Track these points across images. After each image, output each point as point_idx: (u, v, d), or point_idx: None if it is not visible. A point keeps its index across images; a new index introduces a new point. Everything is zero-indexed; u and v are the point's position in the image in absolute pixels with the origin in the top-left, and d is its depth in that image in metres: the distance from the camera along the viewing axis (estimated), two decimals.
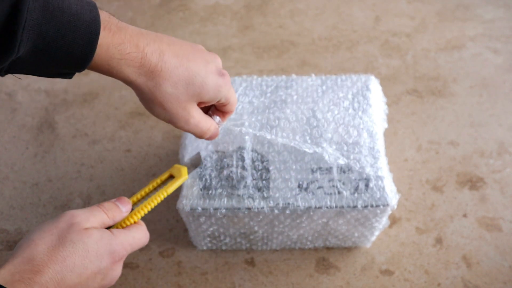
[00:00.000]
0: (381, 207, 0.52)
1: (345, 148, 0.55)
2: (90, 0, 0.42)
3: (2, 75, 0.42)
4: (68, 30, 0.40)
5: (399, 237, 0.63)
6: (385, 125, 0.60)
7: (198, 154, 0.55)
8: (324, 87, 0.60)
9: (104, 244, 0.42)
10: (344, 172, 0.54)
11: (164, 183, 0.50)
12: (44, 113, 0.75)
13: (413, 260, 0.62)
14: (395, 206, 0.53)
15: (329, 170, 0.54)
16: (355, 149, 0.55)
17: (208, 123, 0.49)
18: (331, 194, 0.53)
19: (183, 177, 0.50)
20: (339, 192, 0.53)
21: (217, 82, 0.47)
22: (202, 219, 0.55)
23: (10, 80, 0.77)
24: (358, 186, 0.53)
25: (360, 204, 0.52)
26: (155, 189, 0.50)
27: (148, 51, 0.43)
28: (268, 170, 0.54)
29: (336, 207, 0.52)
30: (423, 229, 0.64)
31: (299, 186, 0.53)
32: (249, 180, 0.54)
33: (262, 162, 0.55)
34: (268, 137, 0.56)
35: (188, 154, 0.57)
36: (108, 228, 0.44)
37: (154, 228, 0.65)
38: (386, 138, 0.71)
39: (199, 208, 0.53)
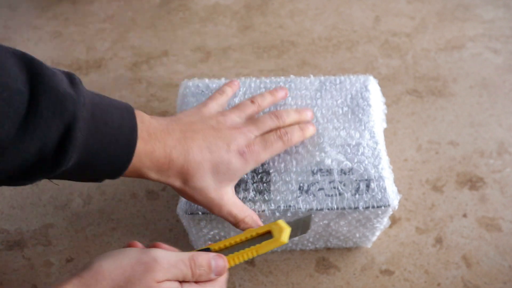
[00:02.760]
0: (383, 208, 0.52)
1: (348, 150, 0.55)
2: (127, 104, 0.45)
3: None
4: (111, 143, 0.42)
5: (399, 237, 0.63)
6: (384, 125, 0.60)
7: (309, 216, 0.49)
8: (323, 90, 0.60)
9: None
10: (344, 173, 0.54)
11: (260, 237, 0.46)
12: None
13: (413, 260, 0.62)
14: (396, 207, 0.53)
15: (329, 171, 0.54)
16: (358, 150, 0.55)
17: (244, 212, 0.50)
18: (332, 195, 0.53)
19: (281, 241, 0.45)
20: (340, 194, 0.52)
21: (240, 162, 0.49)
22: (202, 223, 0.55)
23: None
24: (359, 187, 0.53)
25: (361, 205, 0.52)
26: (248, 240, 0.46)
27: (174, 156, 0.46)
28: (268, 173, 0.54)
29: (337, 208, 0.52)
30: (423, 229, 0.64)
31: (300, 188, 0.53)
32: (249, 183, 0.54)
33: (263, 165, 0.55)
34: None
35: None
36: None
37: (154, 228, 0.65)
38: (386, 138, 0.71)
39: (200, 213, 0.53)
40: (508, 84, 0.76)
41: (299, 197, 0.52)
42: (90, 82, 0.77)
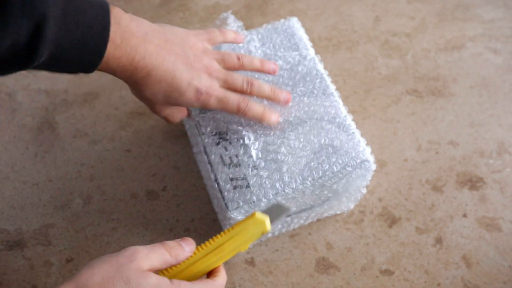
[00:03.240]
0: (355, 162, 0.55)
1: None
2: (104, 2, 0.47)
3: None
4: (81, 43, 0.45)
5: (399, 237, 0.63)
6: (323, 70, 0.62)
7: (277, 203, 0.49)
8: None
9: None
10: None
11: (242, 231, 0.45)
12: (44, 113, 0.75)
13: (413, 260, 0.62)
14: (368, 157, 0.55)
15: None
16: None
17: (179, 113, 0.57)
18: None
19: (264, 230, 0.45)
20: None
21: (191, 99, 0.53)
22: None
23: (10, 80, 0.77)
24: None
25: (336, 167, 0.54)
26: (231, 238, 0.45)
27: (138, 67, 0.49)
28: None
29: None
30: (423, 229, 0.64)
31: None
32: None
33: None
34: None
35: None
36: (171, 275, 0.43)
37: (154, 228, 0.65)
38: (386, 138, 0.71)
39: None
40: (508, 84, 0.75)
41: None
42: (90, 82, 0.77)
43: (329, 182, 0.55)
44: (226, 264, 0.62)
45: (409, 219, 0.65)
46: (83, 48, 0.45)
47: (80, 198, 0.68)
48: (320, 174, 0.54)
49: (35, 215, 0.67)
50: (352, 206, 0.63)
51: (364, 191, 0.61)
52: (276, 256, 0.63)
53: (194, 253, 0.44)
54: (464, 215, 0.65)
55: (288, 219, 0.60)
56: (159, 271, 0.43)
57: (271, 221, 0.46)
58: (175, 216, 0.66)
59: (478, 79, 0.76)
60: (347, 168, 0.55)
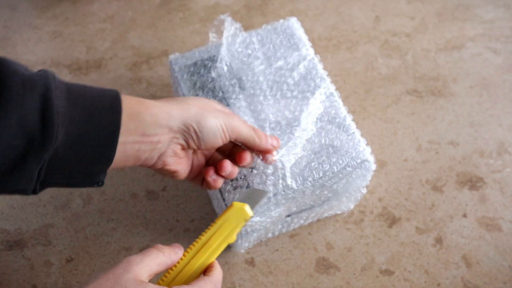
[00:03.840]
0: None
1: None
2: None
3: (37, 191, 0.42)
4: (94, 110, 0.42)
5: (399, 237, 0.63)
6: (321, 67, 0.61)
7: (254, 189, 0.51)
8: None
9: None
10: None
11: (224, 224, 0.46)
12: None
13: (413, 260, 0.62)
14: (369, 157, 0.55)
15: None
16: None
17: (249, 124, 0.52)
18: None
19: (246, 217, 0.46)
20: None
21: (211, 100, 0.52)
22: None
23: None
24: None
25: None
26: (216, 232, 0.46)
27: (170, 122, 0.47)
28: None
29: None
30: (423, 229, 0.64)
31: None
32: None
33: None
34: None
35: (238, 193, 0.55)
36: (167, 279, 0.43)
37: (154, 228, 0.65)
38: (386, 138, 0.71)
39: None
40: (508, 84, 0.76)
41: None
42: (90, 82, 0.77)
43: (329, 182, 0.55)
44: (226, 264, 0.62)
45: (409, 219, 0.65)
46: (98, 116, 0.42)
47: (80, 198, 0.68)
48: (321, 174, 0.54)
49: (35, 215, 0.67)
50: (352, 206, 0.63)
51: (364, 191, 0.61)
52: (276, 256, 0.63)
53: (184, 255, 0.45)
54: (464, 215, 0.65)
55: (288, 219, 0.60)
56: (156, 282, 0.43)
57: (251, 207, 0.46)
58: (175, 216, 0.66)
59: (478, 79, 0.76)
60: (347, 168, 0.55)
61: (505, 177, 0.67)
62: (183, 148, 0.48)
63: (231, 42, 0.61)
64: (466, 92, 0.75)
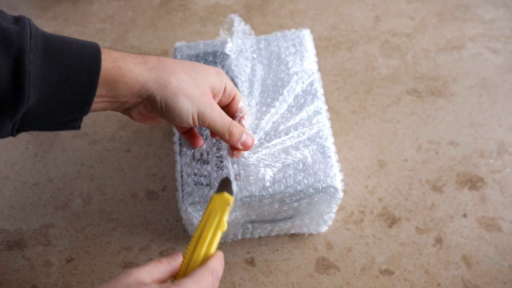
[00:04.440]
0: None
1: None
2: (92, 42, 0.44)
3: (15, 135, 0.43)
4: (70, 73, 0.42)
5: (399, 237, 0.63)
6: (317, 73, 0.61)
7: (222, 178, 0.52)
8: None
9: None
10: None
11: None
12: None
13: (413, 260, 0.62)
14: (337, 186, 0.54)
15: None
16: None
17: (229, 118, 0.51)
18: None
19: (228, 201, 0.47)
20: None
21: (214, 68, 0.50)
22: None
23: None
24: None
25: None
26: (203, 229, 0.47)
27: (147, 59, 0.47)
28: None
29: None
30: (423, 229, 0.64)
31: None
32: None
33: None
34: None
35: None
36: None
37: (154, 228, 0.65)
38: (386, 138, 0.71)
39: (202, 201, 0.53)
40: (508, 84, 0.76)
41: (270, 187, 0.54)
42: None
43: (290, 198, 0.54)
44: (226, 264, 0.62)
45: (409, 219, 0.65)
46: (73, 78, 0.42)
47: (80, 198, 0.68)
48: (282, 188, 0.53)
49: (35, 215, 0.67)
50: (323, 230, 0.63)
51: (329, 219, 0.60)
52: (276, 256, 0.63)
53: (184, 256, 0.45)
54: (464, 215, 0.65)
55: (249, 225, 0.60)
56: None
57: (230, 193, 0.48)
58: (175, 216, 0.66)
59: (478, 79, 0.76)
60: (310, 190, 0.53)
61: (505, 177, 0.67)
62: (151, 111, 0.49)
63: (239, 43, 0.61)
64: (466, 92, 0.75)
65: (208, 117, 0.49)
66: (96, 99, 0.45)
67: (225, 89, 0.51)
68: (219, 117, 0.50)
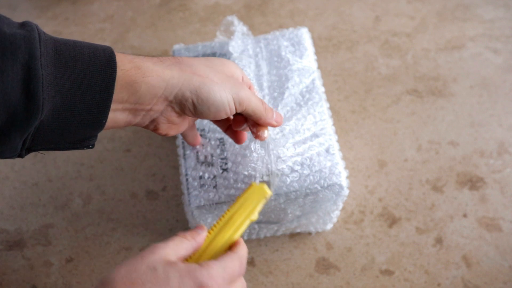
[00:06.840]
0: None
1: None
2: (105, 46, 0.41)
3: (23, 156, 0.40)
4: (85, 78, 0.38)
5: (399, 237, 0.63)
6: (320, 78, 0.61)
7: (264, 181, 0.51)
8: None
9: (190, 277, 0.38)
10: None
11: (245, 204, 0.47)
12: None
13: (413, 260, 0.62)
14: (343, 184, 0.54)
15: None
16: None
17: (258, 97, 0.48)
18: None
19: (265, 195, 0.47)
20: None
21: (228, 60, 0.48)
22: (208, 215, 0.55)
23: None
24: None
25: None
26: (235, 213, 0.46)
27: (162, 59, 0.44)
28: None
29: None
30: (423, 229, 0.64)
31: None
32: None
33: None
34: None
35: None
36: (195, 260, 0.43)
37: (154, 228, 0.65)
38: (386, 138, 0.71)
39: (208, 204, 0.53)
40: (508, 84, 0.75)
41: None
42: None
43: (294, 194, 0.54)
44: None
45: (409, 219, 0.65)
46: (88, 84, 0.38)
47: (80, 198, 0.68)
48: (288, 182, 0.53)
49: (35, 215, 0.67)
50: (329, 228, 0.63)
51: (334, 217, 0.60)
52: (276, 256, 0.63)
53: (209, 232, 0.44)
54: (464, 215, 0.65)
55: (256, 226, 0.60)
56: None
57: (269, 186, 0.48)
58: (175, 216, 0.66)
59: (478, 79, 0.76)
60: (315, 186, 0.53)
61: (505, 177, 0.67)
62: (179, 115, 0.46)
63: (238, 43, 0.61)
64: (466, 92, 0.75)
65: (245, 99, 0.45)
66: (117, 106, 0.41)
67: (242, 78, 0.49)
68: (254, 97, 0.47)
